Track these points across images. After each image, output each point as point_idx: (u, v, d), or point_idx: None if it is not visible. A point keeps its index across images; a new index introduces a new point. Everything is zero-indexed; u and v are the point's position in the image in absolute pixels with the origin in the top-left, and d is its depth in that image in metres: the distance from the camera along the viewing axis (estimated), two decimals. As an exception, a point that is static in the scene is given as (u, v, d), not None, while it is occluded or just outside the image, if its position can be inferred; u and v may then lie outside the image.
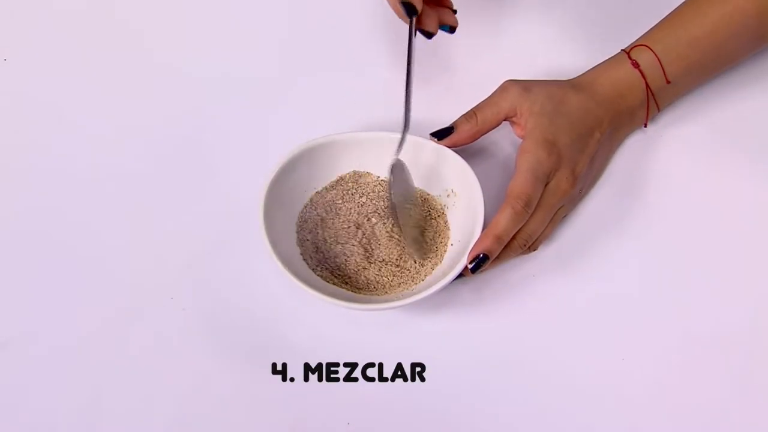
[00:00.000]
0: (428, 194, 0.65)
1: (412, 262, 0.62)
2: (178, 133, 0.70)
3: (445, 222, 0.63)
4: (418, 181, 0.65)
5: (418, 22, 0.61)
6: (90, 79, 0.73)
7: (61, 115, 0.71)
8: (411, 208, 0.63)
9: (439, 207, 0.64)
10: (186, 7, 0.77)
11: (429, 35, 0.63)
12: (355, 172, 0.65)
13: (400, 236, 0.63)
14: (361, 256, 0.62)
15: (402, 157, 0.64)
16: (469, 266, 0.57)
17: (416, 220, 0.63)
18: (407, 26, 0.60)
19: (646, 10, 0.67)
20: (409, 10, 0.60)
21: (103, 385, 0.60)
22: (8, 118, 0.72)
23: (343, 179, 0.65)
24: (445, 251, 0.62)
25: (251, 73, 0.73)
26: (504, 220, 0.58)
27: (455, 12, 0.64)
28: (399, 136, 0.63)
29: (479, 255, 0.57)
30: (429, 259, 0.62)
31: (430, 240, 0.63)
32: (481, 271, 0.58)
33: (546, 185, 0.60)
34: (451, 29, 0.64)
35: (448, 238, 0.63)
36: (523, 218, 0.58)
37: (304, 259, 0.62)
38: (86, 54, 0.75)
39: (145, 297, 0.63)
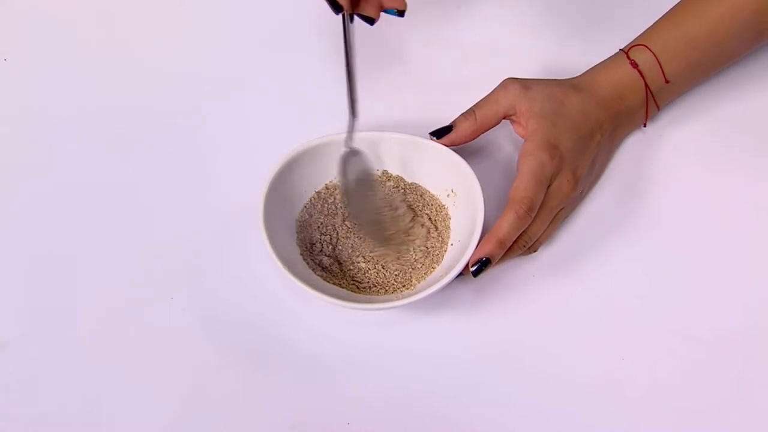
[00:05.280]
0: (430, 192, 0.65)
1: (412, 262, 0.62)
2: (178, 133, 0.70)
3: (445, 222, 0.63)
4: (418, 181, 0.65)
5: (356, 7, 0.58)
6: (90, 79, 0.73)
7: (61, 115, 0.71)
8: (370, 196, 0.62)
9: (439, 206, 0.64)
10: (188, 10, 0.77)
11: (370, 21, 0.59)
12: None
13: (400, 236, 0.63)
14: (361, 256, 0.62)
15: (402, 156, 0.64)
16: (471, 269, 0.57)
17: (375, 208, 0.63)
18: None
19: (645, 9, 0.67)
20: (335, 7, 0.57)
21: (103, 385, 0.60)
22: (8, 118, 0.72)
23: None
24: (445, 251, 0.62)
25: (253, 73, 0.73)
26: (507, 224, 0.58)
27: None
28: (399, 135, 0.63)
29: (481, 259, 0.57)
30: (428, 259, 0.62)
31: (394, 230, 0.63)
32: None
33: (548, 188, 0.60)
34: (399, 13, 0.59)
35: (448, 238, 0.63)
36: (526, 222, 0.58)
37: (304, 259, 0.62)
38: (86, 54, 0.75)
39: (144, 297, 0.63)
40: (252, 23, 0.76)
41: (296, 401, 0.59)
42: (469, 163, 0.61)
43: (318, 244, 0.63)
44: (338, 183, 0.64)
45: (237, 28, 0.76)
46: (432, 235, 0.63)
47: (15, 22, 0.77)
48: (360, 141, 0.64)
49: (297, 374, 0.60)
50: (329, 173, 0.65)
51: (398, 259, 0.62)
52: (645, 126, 0.68)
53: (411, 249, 0.62)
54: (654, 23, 0.65)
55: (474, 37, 0.74)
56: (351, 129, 0.61)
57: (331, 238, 0.63)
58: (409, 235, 0.63)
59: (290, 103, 0.71)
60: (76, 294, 0.63)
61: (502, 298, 0.62)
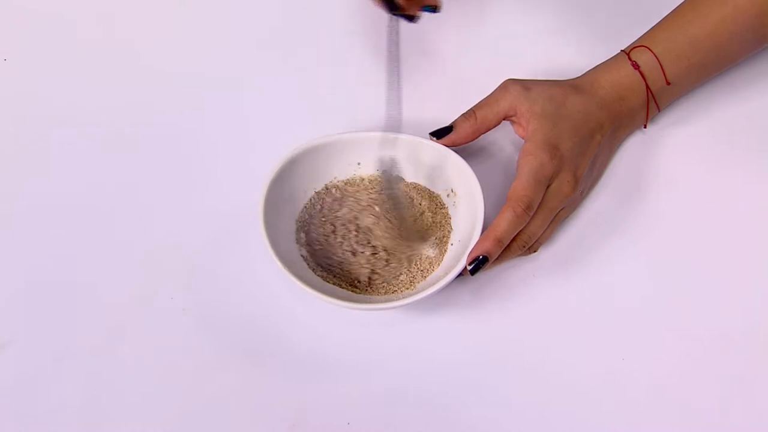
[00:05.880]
0: (430, 192, 0.65)
1: (412, 261, 0.62)
2: (178, 133, 0.70)
3: (446, 222, 0.63)
4: (418, 181, 0.65)
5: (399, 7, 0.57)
6: (90, 79, 0.73)
7: (61, 115, 0.71)
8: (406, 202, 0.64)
9: (439, 206, 0.64)
10: (187, 10, 0.77)
11: (412, 19, 0.58)
12: (354, 175, 0.65)
13: (400, 236, 0.63)
14: (361, 256, 0.62)
15: (402, 156, 0.64)
16: (468, 268, 0.57)
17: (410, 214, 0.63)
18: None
19: (646, 10, 0.67)
20: (391, 6, 0.57)
21: (103, 385, 0.60)
22: (8, 118, 0.72)
23: (342, 180, 0.65)
24: (445, 251, 0.62)
25: (253, 72, 0.73)
26: (504, 223, 0.58)
27: None
28: (399, 135, 0.63)
29: (479, 256, 0.57)
30: (431, 258, 0.62)
31: (428, 225, 0.63)
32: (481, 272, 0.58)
33: (547, 188, 0.60)
34: (434, 8, 0.59)
35: (449, 238, 0.63)
36: (524, 221, 0.58)
37: (304, 259, 0.62)
38: (86, 54, 0.75)
39: (145, 297, 0.63)
40: (251, 23, 0.76)
41: (296, 401, 0.59)
42: (469, 164, 0.61)
43: (318, 244, 0.63)
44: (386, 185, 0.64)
45: (236, 29, 0.76)
46: (435, 236, 0.63)
47: (15, 22, 0.77)
48: (362, 141, 0.64)
49: (297, 374, 0.60)
50: (329, 173, 0.65)
51: (408, 258, 0.62)
52: (645, 127, 0.68)
53: (421, 249, 0.62)
54: (656, 24, 0.65)
55: (474, 38, 0.74)
56: (396, 128, 0.61)
57: (331, 238, 0.63)
58: (423, 237, 0.63)
59: (290, 103, 0.71)
60: (75, 294, 0.63)
61: (502, 298, 0.62)
